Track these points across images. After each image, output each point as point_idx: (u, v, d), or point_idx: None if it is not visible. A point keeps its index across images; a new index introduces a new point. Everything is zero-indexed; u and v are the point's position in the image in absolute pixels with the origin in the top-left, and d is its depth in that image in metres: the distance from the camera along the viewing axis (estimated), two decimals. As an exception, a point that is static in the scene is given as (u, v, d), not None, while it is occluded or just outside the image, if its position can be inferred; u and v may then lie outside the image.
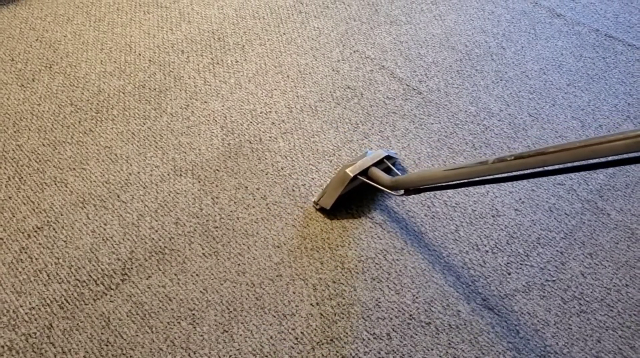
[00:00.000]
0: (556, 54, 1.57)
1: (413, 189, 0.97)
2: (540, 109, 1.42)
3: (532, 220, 1.19)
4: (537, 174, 0.73)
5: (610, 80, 1.50)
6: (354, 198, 1.21)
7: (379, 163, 1.17)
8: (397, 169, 1.23)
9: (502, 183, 1.25)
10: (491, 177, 0.80)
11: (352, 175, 1.12)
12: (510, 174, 0.76)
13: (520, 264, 1.12)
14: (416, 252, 1.12)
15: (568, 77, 1.50)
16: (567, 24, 1.67)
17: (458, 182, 0.86)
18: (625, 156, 0.61)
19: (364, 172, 1.14)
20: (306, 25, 1.62)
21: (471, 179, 0.83)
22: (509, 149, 1.32)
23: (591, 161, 0.66)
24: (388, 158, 1.20)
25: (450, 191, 1.22)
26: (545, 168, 0.71)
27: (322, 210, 1.18)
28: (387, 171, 1.18)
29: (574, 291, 1.08)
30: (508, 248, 1.14)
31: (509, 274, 1.10)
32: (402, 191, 1.00)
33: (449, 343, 1.00)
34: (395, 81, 1.47)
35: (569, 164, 0.67)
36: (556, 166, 0.68)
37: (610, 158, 0.63)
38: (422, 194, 1.22)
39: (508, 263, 1.12)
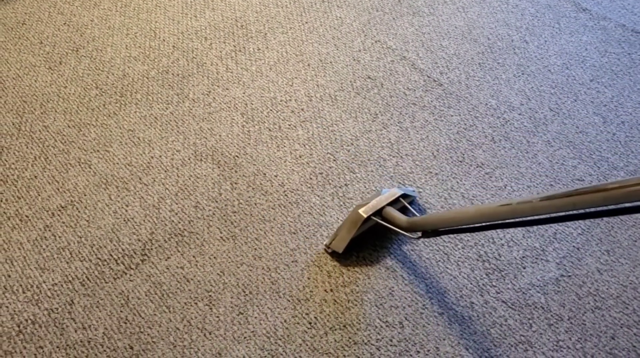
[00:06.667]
0: (580, 48, 1.55)
1: (432, 231, 0.89)
2: (561, 104, 1.41)
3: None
4: (566, 218, 0.66)
5: (636, 76, 1.47)
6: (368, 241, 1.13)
7: (394, 202, 1.08)
8: (415, 209, 1.15)
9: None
10: (517, 220, 0.73)
11: (365, 216, 1.04)
12: (536, 218, 0.70)
13: (536, 258, 1.11)
14: (431, 243, 1.13)
15: (591, 73, 1.48)
16: (593, 19, 1.64)
17: (480, 225, 0.79)
18: None
19: (378, 212, 1.06)
20: (328, 14, 1.62)
21: (494, 223, 0.76)
22: (528, 144, 1.31)
23: (624, 206, 0.59)
24: (404, 196, 1.11)
25: (467, 184, 1.22)
26: (575, 212, 0.64)
27: (333, 254, 1.10)
28: (404, 210, 1.10)
29: (589, 287, 1.08)
30: (524, 242, 1.14)
31: (524, 268, 1.10)
32: (419, 234, 0.92)
33: (461, 335, 1.01)
34: (416, 72, 1.47)
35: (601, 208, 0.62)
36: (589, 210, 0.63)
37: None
38: (438, 186, 1.22)
39: (524, 257, 1.12)
